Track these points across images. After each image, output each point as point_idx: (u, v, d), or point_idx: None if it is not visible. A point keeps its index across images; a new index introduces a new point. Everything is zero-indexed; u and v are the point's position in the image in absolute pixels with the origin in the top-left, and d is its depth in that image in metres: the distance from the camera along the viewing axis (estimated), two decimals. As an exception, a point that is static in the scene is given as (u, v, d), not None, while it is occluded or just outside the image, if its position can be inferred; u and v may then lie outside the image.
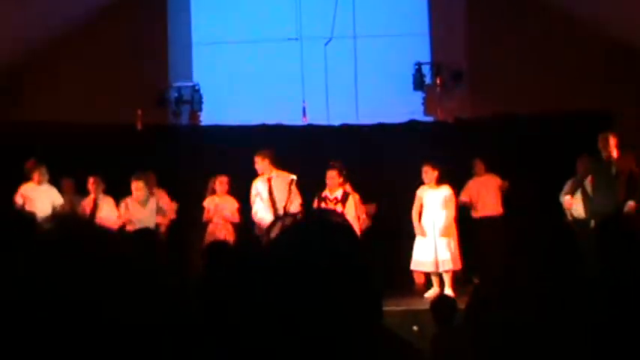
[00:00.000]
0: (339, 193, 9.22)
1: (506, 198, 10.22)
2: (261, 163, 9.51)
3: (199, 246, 8.16)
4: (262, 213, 9.40)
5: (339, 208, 8.92)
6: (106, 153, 10.42)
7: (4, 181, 9.46)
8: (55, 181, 9.85)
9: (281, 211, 9.39)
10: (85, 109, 11.23)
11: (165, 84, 11.87)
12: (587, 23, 11.22)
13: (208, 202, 9.73)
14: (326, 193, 9.24)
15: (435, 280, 9.24)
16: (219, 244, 5.57)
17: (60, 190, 9.91)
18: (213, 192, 9.77)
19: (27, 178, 9.45)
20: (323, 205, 9.03)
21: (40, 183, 9.41)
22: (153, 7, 12.07)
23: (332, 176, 9.22)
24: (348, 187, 9.43)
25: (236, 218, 9.70)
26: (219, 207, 9.71)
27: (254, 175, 10.22)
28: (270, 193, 9.47)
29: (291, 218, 1.56)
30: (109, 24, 11.79)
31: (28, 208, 9.11)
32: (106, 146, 10.63)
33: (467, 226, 9.72)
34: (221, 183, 9.76)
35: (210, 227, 9.63)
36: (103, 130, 11.00)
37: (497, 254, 8.03)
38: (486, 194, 10.21)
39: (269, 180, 9.50)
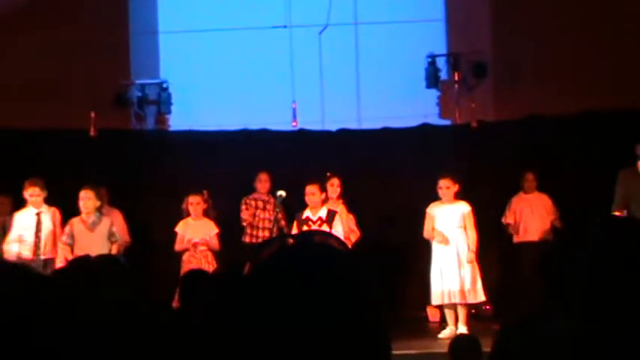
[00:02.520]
0: (323, 212, 9.23)
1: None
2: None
3: (172, 277, 8.13)
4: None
5: (325, 229, 8.92)
6: (51, 164, 10.37)
7: None
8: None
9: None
10: (25, 112, 11.16)
11: (127, 81, 11.84)
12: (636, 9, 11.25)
13: (181, 227, 9.69)
14: (307, 213, 9.25)
15: (449, 315, 9.25)
16: (196, 273, 5.60)
17: None
18: (187, 214, 9.74)
19: None
20: (305, 228, 9.03)
21: None
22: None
23: (312, 191, 9.21)
24: (334, 204, 9.50)
25: (215, 245, 9.65)
26: (194, 232, 9.67)
27: (234, 190, 10.23)
28: None
29: (279, 243, 1.55)
30: (56, 7, 11.74)
31: None
32: (50, 156, 10.60)
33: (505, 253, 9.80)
34: (195, 204, 9.70)
35: (186, 256, 9.58)
36: (48, 138, 10.96)
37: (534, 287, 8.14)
38: (531, 215, 10.20)
39: None
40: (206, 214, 9.78)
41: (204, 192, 9.78)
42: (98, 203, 9.17)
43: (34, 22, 11.63)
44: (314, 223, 9.24)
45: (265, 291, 1.44)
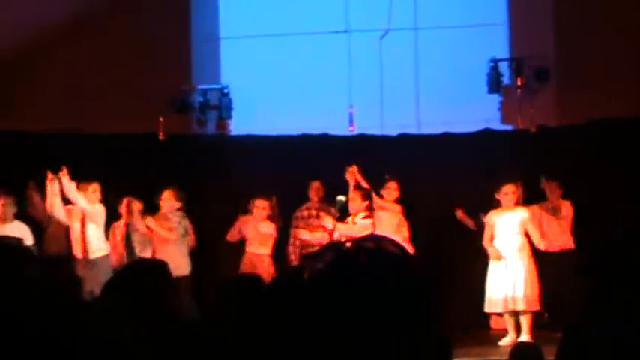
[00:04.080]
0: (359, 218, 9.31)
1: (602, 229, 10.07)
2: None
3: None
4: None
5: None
6: (115, 168, 10.53)
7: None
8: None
9: None
10: (90, 116, 11.36)
11: (188, 86, 11.96)
12: None
13: (241, 222, 9.79)
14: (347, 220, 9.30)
15: (510, 322, 9.15)
16: (250, 278, 5.62)
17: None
18: (250, 215, 9.85)
19: None
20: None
21: (5, 220, 9.29)
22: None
23: (353, 198, 9.22)
24: (392, 207, 9.52)
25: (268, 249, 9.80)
26: (251, 232, 9.76)
27: (293, 194, 10.26)
28: None
29: (339, 248, 1.54)
30: (122, 16, 11.94)
31: None
32: (114, 160, 10.75)
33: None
34: (260, 207, 9.78)
35: (247, 258, 9.69)
36: (113, 142, 11.13)
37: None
38: (557, 224, 10.03)
39: None
40: (270, 219, 9.84)
41: (273, 198, 9.84)
42: (178, 204, 9.43)
43: (99, 29, 11.83)
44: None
45: (324, 296, 1.44)
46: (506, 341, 9.05)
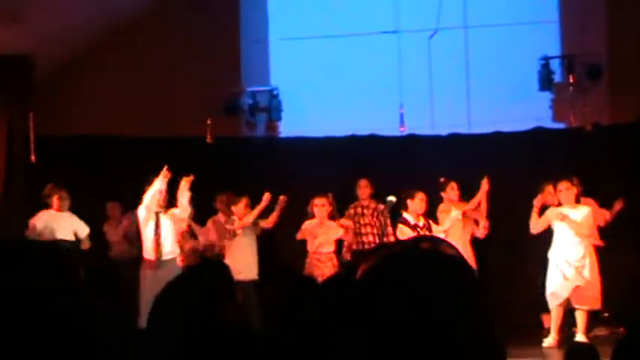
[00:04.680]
0: (423, 221, 9.35)
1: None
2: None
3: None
4: None
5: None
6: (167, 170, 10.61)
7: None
8: (98, 205, 10.20)
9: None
10: (140, 120, 11.47)
11: (238, 88, 12.02)
12: None
13: (308, 229, 9.82)
14: (411, 219, 9.31)
15: (555, 323, 9.03)
16: (304, 280, 5.63)
17: (104, 215, 10.30)
18: (311, 216, 9.85)
19: (45, 205, 9.70)
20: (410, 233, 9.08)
21: (60, 210, 9.61)
22: (223, -1, 12.29)
23: (423, 198, 9.24)
24: (459, 207, 9.48)
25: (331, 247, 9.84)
26: (322, 234, 9.78)
27: (343, 195, 10.25)
28: None
29: (392, 247, 1.53)
30: (170, 19, 12.05)
31: (45, 236, 9.45)
32: (166, 163, 10.84)
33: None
34: (320, 206, 9.79)
35: (311, 259, 9.71)
36: (164, 144, 11.23)
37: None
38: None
39: None
40: (331, 216, 9.86)
41: (329, 195, 9.86)
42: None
43: (148, 33, 11.95)
44: (421, 229, 9.28)
45: (376, 295, 1.43)
46: (548, 342, 8.96)
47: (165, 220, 9.25)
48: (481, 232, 9.70)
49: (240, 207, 9.59)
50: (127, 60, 11.88)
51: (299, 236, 9.78)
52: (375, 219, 10.03)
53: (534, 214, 9.19)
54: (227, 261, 9.03)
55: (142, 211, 9.24)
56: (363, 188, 10.23)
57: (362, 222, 10.12)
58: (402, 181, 9.91)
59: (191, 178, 9.24)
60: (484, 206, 9.65)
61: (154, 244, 9.13)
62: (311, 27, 12.53)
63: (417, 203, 9.35)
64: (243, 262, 9.19)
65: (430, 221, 9.50)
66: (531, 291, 9.60)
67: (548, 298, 9.01)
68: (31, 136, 10.63)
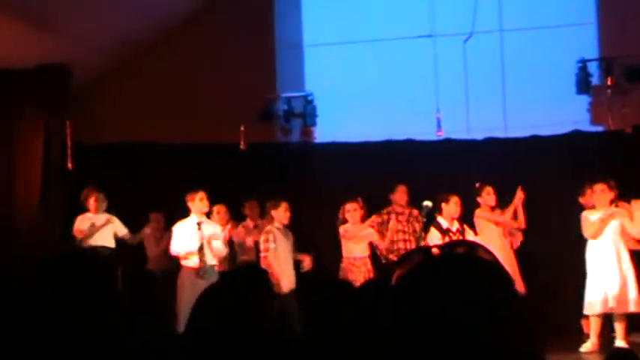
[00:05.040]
0: (457, 225, 9.31)
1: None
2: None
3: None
4: None
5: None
6: (202, 178, 10.67)
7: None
8: (141, 215, 10.27)
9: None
10: (175, 127, 11.55)
11: (273, 94, 12.05)
12: None
13: (345, 229, 9.83)
14: (445, 224, 9.27)
15: (594, 328, 8.93)
16: (341, 285, 5.61)
17: (140, 221, 10.38)
18: (343, 222, 9.85)
19: (83, 209, 9.79)
20: (446, 239, 9.03)
21: (97, 212, 9.71)
22: (257, 5, 12.32)
23: (457, 202, 9.23)
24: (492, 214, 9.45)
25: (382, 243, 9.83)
26: (356, 238, 9.79)
27: (380, 200, 10.23)
28: None
29: (427, 252, 1.52)
30: (203, 25, 12.12)
31: (87, 241, 9.55)
32: (201, 169, 10.90)
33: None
34: (352, 210, 9.79)
35: (345, 264, 9.71)
36: (199, 151, 11.30)
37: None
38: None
39: None
40: (363, 221, 9.86)
41: (359, 199, 9.85)
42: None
43: (183, 41, 12.04)
44: (454, 234, 9.23)
45: (411, 301, 1.42)
46: (587, 347, 8.86)
47: (207, 229, 9.30)
48: (516, 244, 9.66)
49: (280, 211, 9.60)
50: (163, 68, 11.97)
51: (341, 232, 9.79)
52: (409, 225, 10.01)
53: (593, 220, 9.03)
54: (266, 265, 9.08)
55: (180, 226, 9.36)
56: (401, 194, 10.19)
57: (397, 228, 10.09)
58: (438, 186, 9.86)
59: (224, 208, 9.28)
60: (521, 216, 9.59)
61: (198, 251, 9.18)
62: (345, 32, 12.53)
63: (451, 207, 9.31)
64: (281, 274, 9.18)
65: (465, 226, 9.44)
66: (570, 296, 9.51)
67: (586, 304, 8.91)
68: (68, 143, 10.75)
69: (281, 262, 9.30)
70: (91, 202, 9.70)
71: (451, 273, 1.43)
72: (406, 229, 10.01)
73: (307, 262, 9.56)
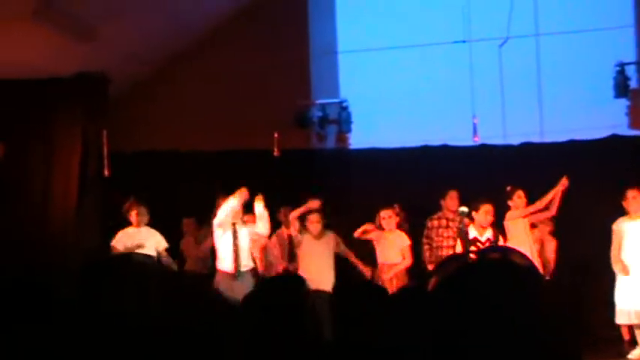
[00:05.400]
0: (489, 233, 9.18)
1: None
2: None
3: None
4: None
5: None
6: (237, 184, 10.71)
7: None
8: (172, 221, 10.35)
9: None
10: (210, 134, 11.62)
11: (307, 101, 12.08)
12: None
13: (374, 239, 9.83)
14: (474, 233, 9.17)
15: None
16: (376, 290, 5.60)
17: (180, 231, 10.42)
18: (380, 229, 9.85)
19: (120, 218, 9.74)
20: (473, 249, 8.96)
21: (139, 225, 9.67)
22: (292, 12, 12.36)
23: (488, 211, 9.11)
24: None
25: (407, 257, 9.75)
26: (388, 245, 9.77)
27: (416, 207, 10.20)
28: None
29: (463, 259, 1.54)
30: (238, 32, 12.18)
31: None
32: (236, 176, 10.95)
33: None
34: (387, 217, 9.78)
35: (379, 269, 9.71)
36: (234, 158, 11.36)
37: None
38: None
39: None
40: (399, 226, 9.84)
41: (396, 205, 9.83)
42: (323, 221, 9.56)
43: (218, 48, 12.11)
44: (482, 244, 9.15)
45: (447, 306, 1.43)
46: (635, 354, 8.76)
47: (243, 233, 9.35)
48: (551, 255, 9.58)
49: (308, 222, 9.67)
50: (198, 75, 12.05)
51: (357, 234, 9.76)
52: (454, 231, 9.91)
53: (614, 243, 8.95)
54: (301, 270, 9.11)
55: (216, 226, 9.34)
56: (452, 199, 10.09)
57: (445, 235, 10.01)
58: (474, 192, 9.81)
59: (261, 196, 9.32)
60: (555, 205, 9.38)
61: (233, 255, 9.20)
62: (380, 38, 12.53)
63: (481, 215, 9.18)
64: (316, 272, 9.20)
65: (499, 234, 9.33)
66: (609, 303, 9.42)
67: (617, 312, 8.83)
68: (105, 151, 10.85)
69: (313, 264, 9.32)
70: (133, 216, 9.69)
71: (486, 279, 1.44)
72: (454, 236, 9.91)
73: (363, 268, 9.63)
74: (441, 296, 1.46)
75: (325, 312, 8.67)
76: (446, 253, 9.85)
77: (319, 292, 9.13)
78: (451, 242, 9.87)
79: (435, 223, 10.13)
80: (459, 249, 9.31)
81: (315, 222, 9.52)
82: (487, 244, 9.05)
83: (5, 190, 10.35)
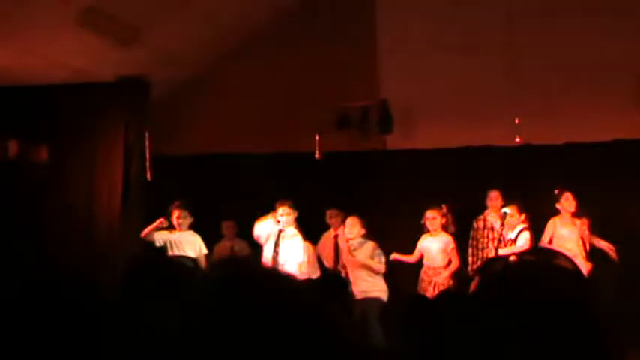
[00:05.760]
0: (513, 234, 9.15)
1: None
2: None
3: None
4: None
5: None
6: (279, 187, 10.75)
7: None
8: (212, 224, 10.37)
9: None
10: (251, 137, 11.66)
11: (349, 103, 12.06)
12: None
13: (421, 241, 9.81)
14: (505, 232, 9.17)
15: None
16: (416, 298, 5.59)
17: (219, 234, 10.46)
18: (426, 230, 9.83)
19: (170, 224, 9.84)
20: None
21: (181, 229, 9.72)
22: (332, 13, 12.36)
23: (513, 213, 9.09)
24: (566, 221, 9.28)
25: (456, 259, 9.72)
26: (431, 245, 9.75)
27: (460, 207, 10.15)
28: None
29: (503, 262, 1.52)
30: (278, 35, 12.21)
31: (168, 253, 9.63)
32: (279, 179, 10.98)
33: None
34: (431, 218, 9.75)
35: (422, 271, 9.69)
36: (273, 161, 11.38)
37: None
38: None
39: None
40: (445, 228, 9.80)
41: (443, 206, 9.80)
42: (363, 231, 9.52)
43: (260, 51, 12.16)
44: (512, 242, 9.15)
45: (490, 308, 1.42)
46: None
47: (286, 237, 9.40)
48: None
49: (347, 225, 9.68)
50: (239, 78, 12.10)
51: (416, 256, 9.77)
52: (495, 233, 9.84)
53: None
54: (351, 279, 9.12)
55: (256, 237, 9.43)
56: (494, 200, 10.03)
57: (489, 236, 9.94)
58: (517, 193, 9.74)
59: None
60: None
61: (272, 262, 9.25)
62: (422, 38, 12.45)
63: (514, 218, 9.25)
64: (365, 279, 9.20)
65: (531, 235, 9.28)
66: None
67: None
68: (147, 154, 10.93)
69: (361, 271, 9.32)
70: (175, 220, 9.74)
71: (527, 280, 1.43)
72: (494, 236, 9.85)
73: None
74: (483, 298, 1.45)
75: (373, 316, 8.63)
76: (489, 254, 9.80)
77: (371, 298, 9.13)
78: (495, 243, 9.80)
79: (481, 224, 10.07)
80: (505, 250, 9.26)
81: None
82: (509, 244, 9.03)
83: (49, 193, 10.47)
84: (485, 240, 9.95)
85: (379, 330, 7.95)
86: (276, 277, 1.27)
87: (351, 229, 9.56)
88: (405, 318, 4.70)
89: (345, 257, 9.61)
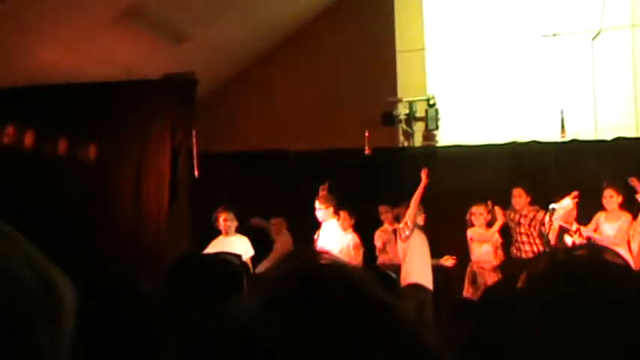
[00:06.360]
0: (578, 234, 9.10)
1: None
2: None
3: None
4: None
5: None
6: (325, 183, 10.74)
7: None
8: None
9: None
10: (296, 133, 11.68)
11: (394, 98, 12.04)
12: None
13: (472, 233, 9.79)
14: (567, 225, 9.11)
15: None
16: (462, 302, 5.56)
17: (268, 233, 10.50)
18: (470, 225, 9.79)
19: (209, 220, 9.77)
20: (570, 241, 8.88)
21: (227, 232, 9.66)
22: (378, 9, 12.34)
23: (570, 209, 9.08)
24: (615, 215, 9.17)
25: (498, 256, 9.67)
26: (479, 241, 9.71)
27: (505, 203, 10.06)
28: None
29: (552, 257, 1.50)
30: (325, 31, 12.23)
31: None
32: (325, 175, 10.98)
33: None
34: (477, 214, 9.72)
35: (471, 267, 9.66)
36: (322, 158, 11.38)
37: None
38: None
39: None
40: (489, 225, 9.75)
41: (489, 202, 9.75)
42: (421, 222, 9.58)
43: (305, 48, 12.18)
44: (574, 232, 9.13)
45: (539, 304, 1.40)
46: None
47: (329, 229, 9.43)
48: None
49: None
50: (285, 75, 12.14)
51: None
52: (532, 228, 9.76)
53: None
54: (404, 265, 9.16)
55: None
56: (517, 197, 9.99)
57: (519, 231, 9.89)
58: (564, 188, 9.63)
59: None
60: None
61: None
62: (467, 34, 12.39)
63: (558, 212, 9.18)
64: (418, 266, 9.23)
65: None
66: None
67: None
68: (194, 152, 10.99)
69: (415, 257, 9.32)
70: (221, 223, 9.71)
71: (577, 276, 1.41)
72: (529, 232, 9.79)
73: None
74: (529, 294, 1.43)
75: (429, 310, 8.61)
76: (522, 249, 9.74)
77: (423, 288, 9.15)
78: (524, 238, 9.75)
79: (515, 219, 10.02)
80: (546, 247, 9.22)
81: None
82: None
83: (97, 191, 10.58)
84: (519, 235, 9.89)
85: (431, 320, 7.98)
86: (347, 271, 1.27)
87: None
88: (456, 314, 4.68)
89: (397, 246, 9.64)
